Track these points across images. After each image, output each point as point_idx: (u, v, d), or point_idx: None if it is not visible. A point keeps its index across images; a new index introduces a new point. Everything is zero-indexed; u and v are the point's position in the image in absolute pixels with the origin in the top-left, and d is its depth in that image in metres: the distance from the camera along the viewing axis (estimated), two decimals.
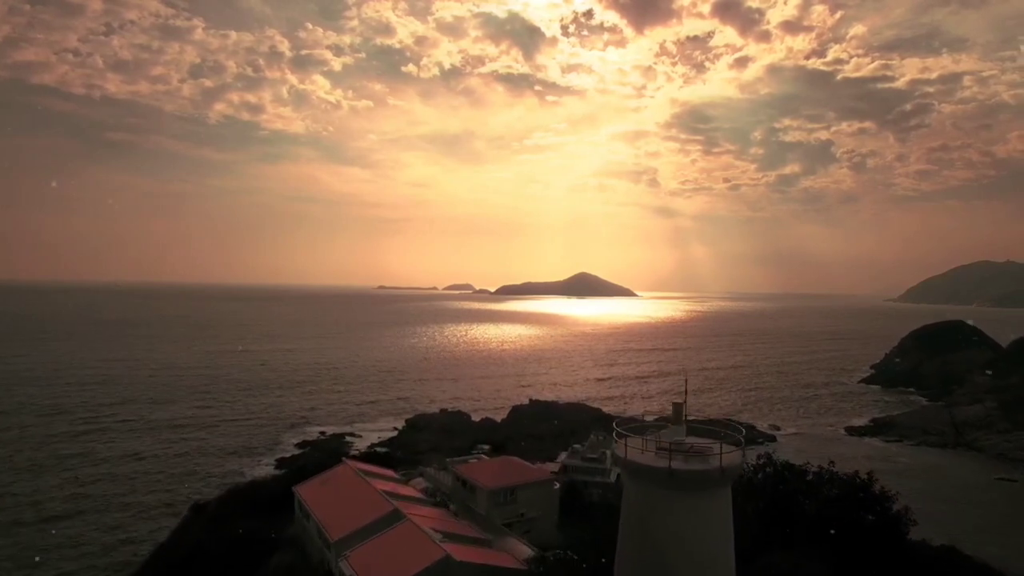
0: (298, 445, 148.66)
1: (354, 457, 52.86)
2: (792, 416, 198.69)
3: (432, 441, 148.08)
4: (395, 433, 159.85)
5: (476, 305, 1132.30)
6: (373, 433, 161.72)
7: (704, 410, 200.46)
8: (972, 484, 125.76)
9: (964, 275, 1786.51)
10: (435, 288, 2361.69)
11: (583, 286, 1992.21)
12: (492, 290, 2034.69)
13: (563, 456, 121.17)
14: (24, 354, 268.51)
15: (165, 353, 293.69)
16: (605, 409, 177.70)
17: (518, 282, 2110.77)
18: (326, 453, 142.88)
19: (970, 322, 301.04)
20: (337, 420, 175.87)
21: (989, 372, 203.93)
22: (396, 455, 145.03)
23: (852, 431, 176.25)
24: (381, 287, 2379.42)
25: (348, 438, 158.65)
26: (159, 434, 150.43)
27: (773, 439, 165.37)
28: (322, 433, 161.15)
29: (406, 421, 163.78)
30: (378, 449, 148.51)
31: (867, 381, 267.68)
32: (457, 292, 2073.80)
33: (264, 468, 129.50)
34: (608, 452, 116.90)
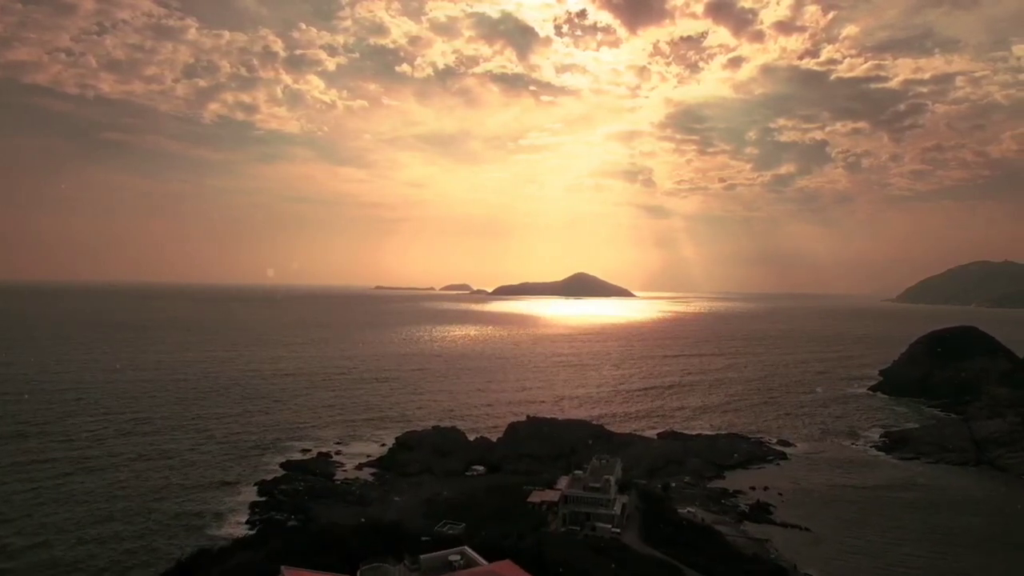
0: (283, 466, 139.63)
1: (301, 560, 40.85)
2: (800, 428, 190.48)
3: (423, 462, 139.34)
4: (385, 451, 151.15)
5: (474, 306, 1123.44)
6: (362, 452, 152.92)
7: (711, 424, 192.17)
8: (1005, 514, 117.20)
9: (962, 275, 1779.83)
10: (432, 288, 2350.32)
11: (580, 286, 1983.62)
12: (489, 290, 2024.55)
13: (563, 481, 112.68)
14: (4, 362, 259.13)
15: (152, 360, 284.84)
16: (608, 426, 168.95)
17: (515, 282, 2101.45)
18: (310, 474, 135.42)
19: (973, 325, 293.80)
20: (326, 436, 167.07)
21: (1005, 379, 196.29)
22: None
23: (865, 446, 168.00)
24: (379, 287, 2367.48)
25: (335, 457, 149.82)
26: (134, 456, 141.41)
27: (784, 456, 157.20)
28: (307, 451, 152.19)
29: (396, 439, 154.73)
30: (366, 470, 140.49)
31: (875, 389, 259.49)
32: (455, 292, 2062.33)
33: (244, 495, 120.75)
34: (612, 479, 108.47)
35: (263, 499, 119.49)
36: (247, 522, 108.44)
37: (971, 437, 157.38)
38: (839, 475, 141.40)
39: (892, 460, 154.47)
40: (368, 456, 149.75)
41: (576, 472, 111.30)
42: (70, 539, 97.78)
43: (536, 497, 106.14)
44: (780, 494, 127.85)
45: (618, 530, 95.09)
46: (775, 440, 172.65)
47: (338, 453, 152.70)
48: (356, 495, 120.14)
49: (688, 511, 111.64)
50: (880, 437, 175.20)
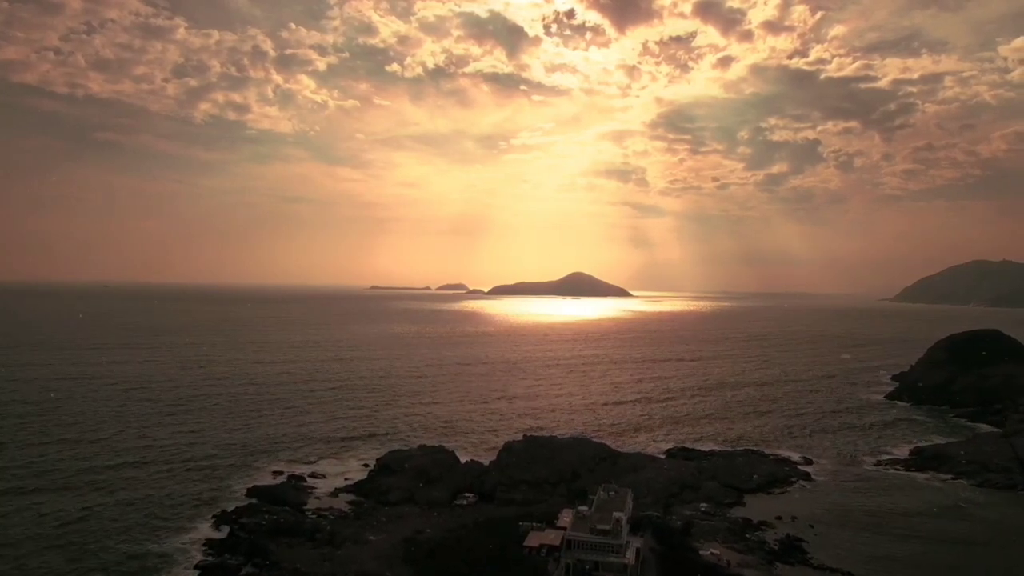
0: (248, 492, 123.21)
1: None
2: (821, 443, 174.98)
3: (406, 489, 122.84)
4: (364, 475, 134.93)
5: (470, 307, 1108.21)
6: (339, 475, 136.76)
7: (723, 438, 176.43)
8: None
9: (960, 274, 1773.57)
10: (428, 288, 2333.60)
11: (577, 286, 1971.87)
12: (486, 290, 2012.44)
13: (565, 516, 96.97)
14: None
15: (124, 367, 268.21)
16: (612, 444, 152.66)
17: (511, 282, 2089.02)
18: (278, 504, 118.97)
19: (995, 328, 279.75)
20: (300, 455, 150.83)
21: None
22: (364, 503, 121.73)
23: (896, 465, 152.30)
24: (374, 287, 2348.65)
25: (309, 480, 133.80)
26: (85, 478, 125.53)
27: (808, 477, 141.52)
28: (279, 474, 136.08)
29: (377, 460, 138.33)
30: (343, 496, 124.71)
31: (893, 397, 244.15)
32: (451, 292, 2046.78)
33: (197, 531, 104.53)
34: (623, 518, 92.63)
35: (219, 536, 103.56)
36: (196, 567, 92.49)
37: (1016, 455, 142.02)
38: (875, 501, 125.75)
39: (932, 483, 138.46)
40: (346, 480, 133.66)
41: (580, 508, 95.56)
42: None
43: (534, 539, 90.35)
44: (811, 526, 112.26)
45: None
46: (797, 457, 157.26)
47: (312, 475, 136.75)
48: (326, 532, 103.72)
49: (711, 552, 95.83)
50: (911, 453, 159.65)
